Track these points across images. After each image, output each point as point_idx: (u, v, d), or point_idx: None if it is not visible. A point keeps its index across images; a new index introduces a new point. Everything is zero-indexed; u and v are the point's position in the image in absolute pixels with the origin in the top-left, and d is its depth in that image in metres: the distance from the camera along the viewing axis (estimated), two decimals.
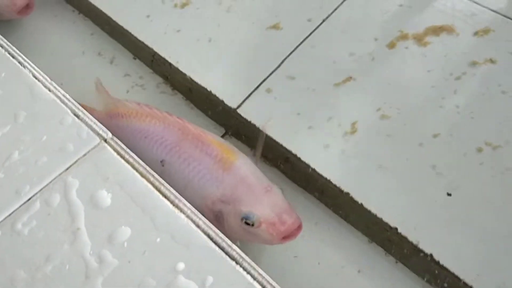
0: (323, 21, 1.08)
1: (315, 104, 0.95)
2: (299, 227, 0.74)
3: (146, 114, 0.88)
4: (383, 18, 1.06)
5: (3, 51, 0.85)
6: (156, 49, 1.08)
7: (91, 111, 0.96)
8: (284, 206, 0.75)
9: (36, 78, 0.81)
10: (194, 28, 1.10)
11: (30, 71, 0.82)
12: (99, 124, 0.73)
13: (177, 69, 1.04)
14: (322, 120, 0.93)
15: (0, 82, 0.81)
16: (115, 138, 0.73)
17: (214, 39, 1.07)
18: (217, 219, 0.77)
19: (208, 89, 0.99)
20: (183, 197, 0.65)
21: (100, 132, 0.72)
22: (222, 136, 1.03)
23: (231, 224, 0.76)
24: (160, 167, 0.82)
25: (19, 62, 0.83)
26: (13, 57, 0.84)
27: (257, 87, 0.99)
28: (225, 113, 0.99)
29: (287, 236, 0.74)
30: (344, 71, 0.99)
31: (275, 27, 1.07)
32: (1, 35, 1.09)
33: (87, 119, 0.74)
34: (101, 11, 1.16)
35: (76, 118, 0.74)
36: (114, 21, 1.13)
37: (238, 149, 0.87)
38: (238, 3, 1.12)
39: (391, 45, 1.01)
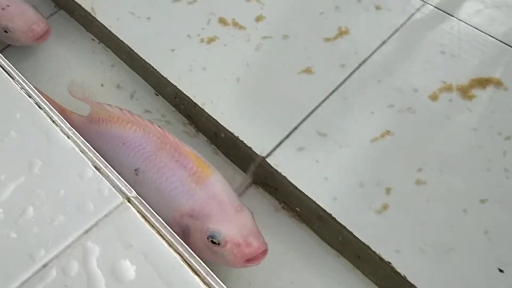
0: (358, 67, 1.01)
1: (350, 163, 0.88)
2: (264, 252, 0.73)
3: (127, 120, 0.86)
4: (424, 67, 1.00)
5: (19, 88, 0.78)
6: (180, 87, 1.02)
7: (70, 114, 0.95)
8: (252, 228, 0.74)
9: (53, 121, 0.74)
10: (221, 66, 1.03)
11: (47, 113, 0.75)
12: (121, 179, 0.67)
13: (202, 110, 0.98)
14: (354, 185, 0.86)
15: (15, 123, 0.74)
16: (139, 197, 0.65)
17: (242, 79, 1.01)
18: (184, 234, 0.75)
19: (236, 135, 0.93)
20: (153, 208, 0.63)
21: (123, 189, 0.66)
22: (248, 186, 0.95)
23: (197, 241, 0.75)
24: (134, 176, 0.81)
25: (36, 103, 0.77)
26: (30, 96, 0.78)
27: (288, 135, 0.93)
28: (252, 161, 0.92)
29: (251, 259, 0.72)
30: (382, 124, 0.91)
31: (307, 71, 1.01)
32: (16, 60, 1.03)
33: (108, 173, 0.67)
34: (122, 42, 1.10)
35: (97, 171, 0.67)
36: (136, 54, 1.07)
37: (265, 200, 0.84)
38: (267, 41, 1.05)
39: (434, 97, 0.95)
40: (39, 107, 0.76)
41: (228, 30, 1.09)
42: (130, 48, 1.09)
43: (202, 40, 1.07)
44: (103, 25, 1.13)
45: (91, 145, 0.71)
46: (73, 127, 0.73)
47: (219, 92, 1.00)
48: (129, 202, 0.65)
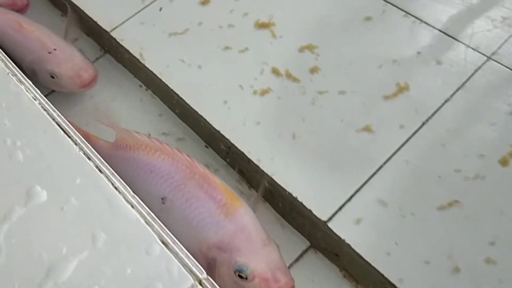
0: (419, 128, 0.97)
1: (414, 234, 0.84)
2: None
3: (155, 148, 0.87)
4: (491, 128, 0.95)
5: (77, 149, 0.75)
6: (233, 141, 0.98)
7: (95, 140, 0.94)
8: (280, 264, 0.74)
9: (116, 188, 0.71)
10: (276, 120, 1.00)
11: (108, 178, 0.72)
12: (191, 258, 0.62)
13: (257, 167, 0.94)
14: (420, 260, 0.82)
15: (75, 189, 0.71)
16: (210, 279, 0.61)
17: (298, 136, 0.97)
18: (209, 267, 0.74)
19: (294, 195, 0.89)
20: (178, 238, 0.63)
21: (194, 269, 0.61)
22: (306, 250, 0.91)
23: (223, 275, 0.74)
24: (160, 204, 0.80)
25: (96, 166, 0.73)
26: (89, 158, 0.74)
27: (349, 199, 0.89)
28: (312, 225, 0.88)
29: None
30: (448, 192, 0.87)
31: (367, 129, 0.97)
32: (63, 106, 1.01)
33: (177, 250, 0.63)
34: (172, 91, 1.07)
35: (164, 247, 0.64)
36: (186, 103, 1.04)
37: (324, 267, 0.83)
38: (324, 96, 1.02)
39: (504, 162, 0.90)
40: (100, 171, 0.73)
41: (282, 82, 1.05)
42: (180, 97, 1.06)
43: (255, 92, 1.04)
44: (151, 71, 1.11)
45: (116, 172, 0.70)
46: (98, 153, 0.72)
47: (275, 148, 0.96)
48: (200, 285, 0.60)
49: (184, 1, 1.24)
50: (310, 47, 1.10)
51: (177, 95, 1.07)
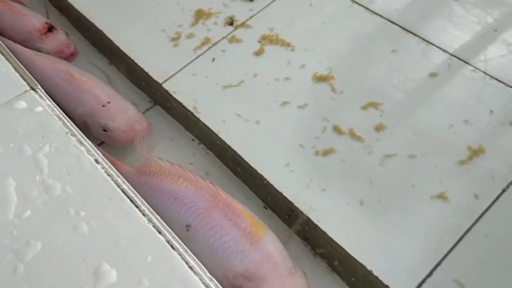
0: (498, 197, 0.91)
1: None
2: None
3: (179, 175, 0.88)
4: None
5: (147, 221, 0.71)
6: (297, 204, 0.94)
7: (120, 166, 0.95)
8: None
9: (190, 267, 0.65)
10: (341, 186, 0.95)
11: (182, 256, 0.67)
12: None
13: (323, 234, 0.89)
14: None
15: (147, 268, 0.66)
16: None
17: (366, 203, 0.92)
18: None
19: (368, 268, 0.82)
20: (204, 265, 0.64)
21: None
22: None
23: None
24: (185, 231, 0.81)
25: (168, 241, 0.68)
26: (160, 232, 0.69)
27: (425, 278, 0.81)
28: None
29: None
30: None
31: (442, 197, 0.91)
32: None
33: None
34: (229, 147, 1.03)
35: None
36: (247, 163, 0.99)
37: None
38: (393, 159, 0.96)
39: None
40: (172, 247, 0.68)
41: (345, 141, 1.01)
42: (238, 155, 1.01)
43: (317, 153, 1.00)
44: (206, 126, 1.07)
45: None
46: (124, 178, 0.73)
47: (342, 215, 0.92)
48: None
49: (237, 51, 1.21)
50: (374, 104, 1.05)
51: (234, 151, 1.02)
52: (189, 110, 1.10)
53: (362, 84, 1.10)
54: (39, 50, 1.23)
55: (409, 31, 1.19)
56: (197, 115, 1.09)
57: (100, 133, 1.07)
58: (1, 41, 1.06)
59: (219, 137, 1.05)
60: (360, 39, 1.19)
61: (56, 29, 1.29)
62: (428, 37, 1.16)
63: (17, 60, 0.97)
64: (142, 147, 0.98)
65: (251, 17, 1.29)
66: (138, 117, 1.08)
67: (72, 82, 1.11)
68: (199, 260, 0.66)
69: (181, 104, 1.11)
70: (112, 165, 0.81)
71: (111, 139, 1.08)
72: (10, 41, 1.21)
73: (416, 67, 1.12)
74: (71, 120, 0.88)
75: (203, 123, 1.08)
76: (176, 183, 0.87)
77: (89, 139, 0.84)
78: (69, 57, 1.27)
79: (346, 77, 1.11)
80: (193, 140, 1.14)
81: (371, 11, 1.26)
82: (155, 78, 1.17)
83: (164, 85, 1.16)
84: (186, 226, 0.82)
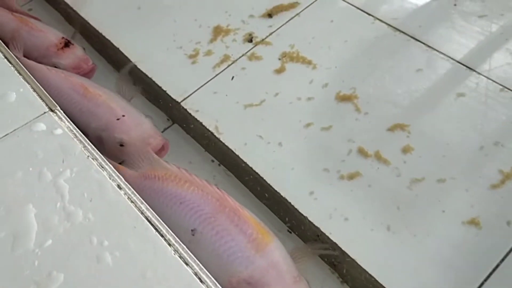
0: None
1: None
2: None
3: (185, 179, 0.87)
4: None
5: (172, 251, 0.69)
6: (324, 229, 0.92)
7: (123, 170, 0.93)
8: None
9: None
10: (369, 213, 0.92)
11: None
12: None
13: (353, 262, 0.86)
14: None
15: None
16: None
17: (394, 228, 0.90)
18: None
19: None
20: (208, 270, 0.65)
21: None
22: None
23: None
24: (190, 236, 0.80)
25: (195, 273, 0.66)
26: (187, 264, 0.67)
27: None
28: None
29: None
30: None
31: (474, 222, 0.88)
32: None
33: None
34: (251, 169, 1.01)
35: None
36: (268, 185, 0.97)
37: None
38: (422, 183, 0.94)
39: None
40: (200, 280, 0.65)
41: (371, 164, 0.98)
42: (261, 177, 0.99)
43: (342, 177, 0.97)
44: (227, 147, 1.04)
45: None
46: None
47: (371, 245, 0.89)
48: None
49: (257, 69, 1.20)
50: (401, 126, 1.03)
51: (257, 174, 1.00)
52: (209, 130, 1.08)
53: (387, 103, 1.07)
54: (56, 66, 1.22)
55: (434, 49, 1.17)
56: (218, 136, 1.07)
57: (115, 148, 1.05)
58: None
59: (241, 159, 1.02)
60: (383, 57, 1.17)
61: (73, 44, 1.28)
62: (454, 55, 1.14)
63: (35, 80, 0.95)
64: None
65: (270, 34, 1.27)
66: (153, 131, 1.06)
67: (87, 96, 1.10)
68: (204, 264, 0.66)
69: (201, 123, 1.09)
70: (115, 169, 0.80)
71: (125, 154, 1.05)
72: (23, 57, 1.19)
73: (443, 87, 1.09)
74: (86, 136, 0.86)
75: (225, 144, 1.05)
76: (182, 187, 0.86)
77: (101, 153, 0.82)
78: (88, 73, 1.26)
79: (370, 96, 1.09)
80: (212, 161, 1.12)
81: (394, 27, 1.24)
82: (173, 96, 1.15)
83: (183, 104, 1.14)
84: (192, 230, 0.81)
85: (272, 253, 0.78)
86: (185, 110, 1.12)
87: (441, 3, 1.29)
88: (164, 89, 1.16)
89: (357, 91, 1.11)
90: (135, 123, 1.07)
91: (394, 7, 1.29)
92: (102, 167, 0.80)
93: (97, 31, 1.31)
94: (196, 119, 1.10)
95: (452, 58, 1.14)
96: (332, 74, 1.15)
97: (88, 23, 1.33)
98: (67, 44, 1.28)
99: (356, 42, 1.22)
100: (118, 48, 1.26)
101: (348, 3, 1.33)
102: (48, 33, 1.30)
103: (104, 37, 1.29)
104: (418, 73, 1.13)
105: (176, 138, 1.17)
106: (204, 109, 1.11)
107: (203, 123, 1.09)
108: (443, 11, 1.26)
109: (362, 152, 1.00)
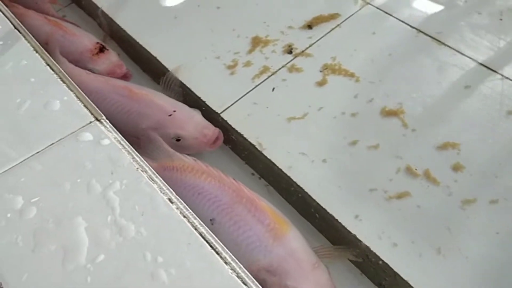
0: None
1: None
2: None
3: (202, 171, 0.92)
4: None
5: (229, 270, 0.68)
6: (374, 249, 0.90)
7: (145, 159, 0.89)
8: (329, 286, 0.78)
9: None
10: (418, 234, 0.90)
11: None
12: None
13: (404, 283, 0.83)
14: None
15: None
16: None
17: (446, 253, 0.87)
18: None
19: None
20: None
21: None
22: None
23: None
24: (210, 225, 0.82)
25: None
26: (245, 284, 0.66)
27: None
28: None
29: None
30: None
31: None
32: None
33: None
34: (295, 183, 0.99)
35: None
36: (318, 205, 0.95)
37: None
38: (473, 204, 0.91)
39: None
40: None
41: (421, 183, 0.96)
42: (308, 194, 0.98)
43: (390, 197, 0.95)
44: (270, 161, 1.03)
45: None
46: None
47: (419, 265, 0.86)
48: None
49: (298, 81, 1.19)
50: (451, 144, 1.01)
51: (301, 188, 0.98)
52: (251, 143, 1.07)
53: (435, 119, 1.06)
54: (90, 71, 1.21)
55: (483, 65, 1.15)
56: (260, 149, 1.05)
57: (169, 143, 1.05)
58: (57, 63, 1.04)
59: (284, 174, 1.01)
60: (429, 72, 1.16)
61: (108, 50, 1.28)
62: (506, 73, 1.12)
63: (79, 88, 0.95)
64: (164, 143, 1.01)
65: (310, 45, 1.27)
66: (205, 122, 1.08)
67: (133, 97, 1.10)
68: None
69: (242, 136, 1.08)
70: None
71: (183, 148, 1.06)
72: (63, 60, 1.19)
73: (493, 104, 1.07)
74: (135, 137, 0.85)
75: (267, 158, 1.04)
76: (200, 178, 0.90)
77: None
78: (122, 79, 1.24)
79: (417, 112, 1.08)
80: (253, 174, 1.11)
81: (439, 41, 1.23)
82: (213, 107, 1.14)
83: (222, 115, 1.12)
84: (211, 220, 0.84)
85: (290, 242, 0.81)
86: (226, 121, 1.11)
87: (489, 17, 1.26)
88: (203, 99, 1.15)
89: (403, 106, 1.09)
90: (187, 116, 1.08)
91: (438, 20, 1.27)
92: (153, 180, 0.79)
93: (133, 39, 1.30)
94: (237, 131, 1.09)
95: (498, 73, 1.12)
96: (377, 88, 1.14)
97: (124, 31, 1.32)
98: (101, 49, 1.28)
99: (400, 56, 1.20)
100: (155, 57, 1.25)
101: (390, 14, 1.31)
102: (82, 38, 1.30)
103: (140, 45, 1.29)
104: (466, 89, 1.11)
105: (215, 150, 1.15)
106: (244, 121, 1.10)
107: (244, 135, 1.08)
108: (491, 26, 1.24)
109: (410, 171, 0.98)
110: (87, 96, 0.97)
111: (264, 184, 1.09)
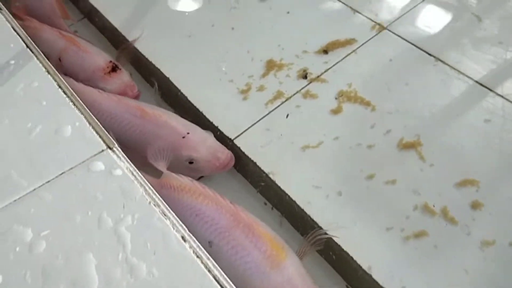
0: None
1: None
2: None
3: (199, 192, 0.92)
4: None
5: None
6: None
7: (145, 175, 0.89)
8: None
9: None
10: (434, 276, 0.88)
11: None
12: None
13: None
14: None
15: None
16: None
17: None
18: None
19: None
20: None
21: None
22: None
23: None
24: (208, 247, 0.83)
25: None
26: None
27: None
28: None
29: None
30: None
31: None
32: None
33: None
34: (309, 217, 0.97)
35: None
36: (332, 241, 0.93)
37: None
38: (492, 247, 0.90)
39: None
40: None
41: (438, 222, 0.95)
42: (321, 227, 0.95)
43: (407, 238, 0.93)
44: (284, 191, 1.01)
45: None
46: None
47: None
48: None
49: (313, 107, 1.17)
50: (470, 181, 0.99)
51: (316, 224, 0.97)
52: (264, 172, 1.05)
53: (453, 153, 1.04)
54: (101, 90, 1.20)
55: (505, 98, 1.13)
56: (273, 178, 1.03)
57: (182, 166, 1.04)
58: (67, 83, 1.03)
59: (297, 206, 1.00)
60: (448, 103, 1.14)
61: (120, 69, 1.27)
62: None
63: (91, 114, 0.93)
64: (159, 162, 1.00)
65: (326, 71, 1.25)
66: (218, 144, 1.07)
67: (146, 117, 1.09)
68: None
69: (254, 163, 1.07)
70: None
71: (194, 171, 1.06)
72: (71, 80, 1.18)
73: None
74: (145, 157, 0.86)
75: (281, 189, 1.02)
76: (197, 199, 0.91)
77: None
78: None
79: (436, 145, 1.06)
80: (265, 203, 1.09)
81: (458, 70, 1.21)
82: (226, 133, 1.12)
83: (236, 141, 1.11)
84: (209, 242, 0.85)
85: (287, 269, 0.81)
86: (238, 148, 1.10)
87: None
88: (216, 124, 1.14)
89: (421, 138, 1.07)
90: (201, 138, 1.07)
91: (458, 49, 1.26)
92: (165, 215, 0.77)
93: (146, 58, 1.29)
94: (250, 158, 1.08)
95: None
96: (394, 119, 1.12)
97: (137, 49, 1.31)
98: (114, 68, 1.26)
99: (418, 85, 1.19)
100: (168, 78, 1.24)
101: (407, 41, 1.30)
102: (96, 55, 1.28)
103: (153, 64, 1.27)
104: (487, 123, 1.09)
105: (225, 175, 1.14)
106: (258, 148, 1.09)
107: (258, 163, 1.06)
108: None
109: (427, 208, 0.97)
110: (99, 115, 0.95)
111: (278, 215, 1.07)
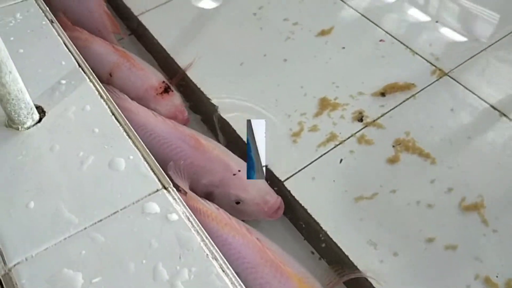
0: None
1: None
2: None
3: (225, 222, 0.91)
4: None
5: None
6: None
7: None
8: None
9: None
10: None
11: None
12: None
13: None
14: None
15: None
16: None
17: None
18: None
19: None
20: None
21: None
22: None
23: None
24: None
25: None
26: None
27: None
28: None
29: None
30: None
31: None
32: None
33: None
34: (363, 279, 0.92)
35: None
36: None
37: None
38: None
39: None
40: None
41: None
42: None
43: None
44: (336, 245, 0.99)
45: None
46: None
47: None
48: None
49: (368, 154, 1.14)
50: None
51: (371, 284, 0.93)
52: (314, 219, 1.02)
53: None
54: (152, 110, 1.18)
55: None
56: (324, 228, 1.00)
57: (229, 205, 1.01)
58: (117, 103, 1.00)
59: (350, 261, 0.96)
60: None
61: (173, 91, 1.24)
62: None
63: (146, 148, 0.91)
64: (179, 180, 0.97)
65: (382, 115, 1.22)
66: (268, 187, 1.03)
67: (199, 148, 1.06)
68: None
69: (304, 209, 1.03)
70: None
71: (241, 213, 1.01)
72: (126, 97, 1.15)
73: None
74: (193, 191, 0.85)
75: (331, 239, 0.98)
76: (223, 229, 0.89)
77: None
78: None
79: (500, 208, 1.03)
80: (312, 253, 1.05)
81: None
82: (276, 174, 1.09)
83: (285, 183, 1.08)
84: (236, 273, 0.78)
85: None
86: (288, 191, 1.06)
87: None
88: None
89: (484, 199, 1.03)
90: (251, 179, 1.03)
91: None
92: (224, 272, 0.74)
93: (195, 85, 1.26)
94: (299, 203, 1.05)
95: None
96: (455, 175, 1.08)
97: (188, 78, 1.28)
98: (166, 89, 1.24)
99: (481, 140, 1.15)
100: (216, 107, 1.21)
101: (470, 90, 1.26)
102: (149, 74, 1.26)
103: (202, 92, 1.25)
104: None
105: (274, 222, 1.10)
106: (308, 193, 1.07)
107: (308, 210, 1.03)
108: None
109: (489, 282, 0.92)
110: (150, 137, 0.95)
111: (326, 267, 1.03)
